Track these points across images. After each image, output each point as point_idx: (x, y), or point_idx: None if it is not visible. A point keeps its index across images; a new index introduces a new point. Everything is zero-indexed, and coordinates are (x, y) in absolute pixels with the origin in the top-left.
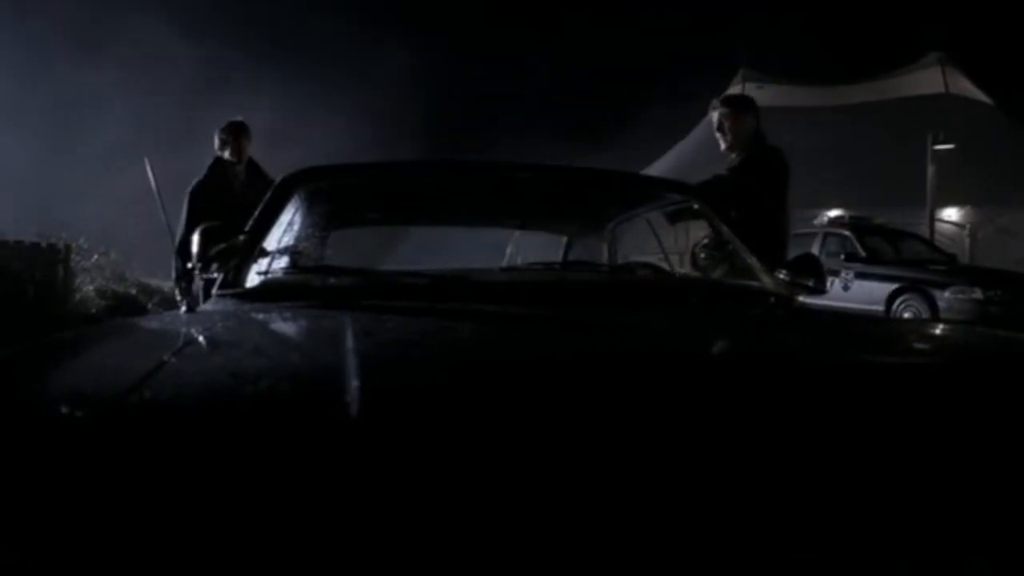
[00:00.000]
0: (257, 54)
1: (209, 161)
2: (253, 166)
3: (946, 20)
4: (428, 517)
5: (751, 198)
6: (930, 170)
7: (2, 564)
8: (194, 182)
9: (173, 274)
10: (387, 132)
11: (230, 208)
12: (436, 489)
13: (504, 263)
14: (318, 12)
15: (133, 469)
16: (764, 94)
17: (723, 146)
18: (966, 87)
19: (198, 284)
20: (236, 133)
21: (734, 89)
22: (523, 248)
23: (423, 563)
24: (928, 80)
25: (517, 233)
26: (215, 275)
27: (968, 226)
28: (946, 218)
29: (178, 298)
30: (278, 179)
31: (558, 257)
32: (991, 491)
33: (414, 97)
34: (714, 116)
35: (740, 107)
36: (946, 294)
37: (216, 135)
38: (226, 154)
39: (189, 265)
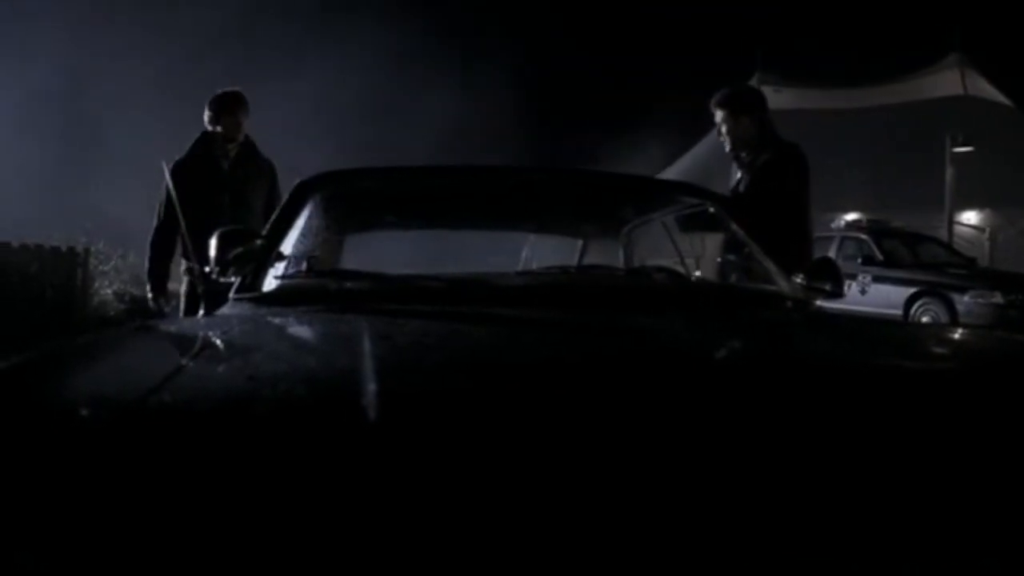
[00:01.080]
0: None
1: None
2: (250, 146)
3: (964, 21)
4: (445, 521)
5: (775, 200)
6: (949, 172)
7: (16, 565)
8: (176, 158)
9: (148, 267)
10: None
11: (217, 187)
12: (453, 493)
13: (519, 267)
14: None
15: (151, 472)
16: (781, 97)
17: (727, 148)
18: (985, 89)
19: (181, 288)
20: (230, 106)
21: None
22: (538, 252)
23: (440, 566)
24: (947, 82)
25: (532, 237)
26: (231, 279)
27: (988, 229)
28: (965, 221)
29: (151, 305)
30: (295, 184)
31: (573, 261)
32: (1011, 494)
33: (429, 97)
34: (716, 117)
35: (737, 108)
36: (965, 298)
37: (206, 107)
38: (217, 129)
39: (207, 268)
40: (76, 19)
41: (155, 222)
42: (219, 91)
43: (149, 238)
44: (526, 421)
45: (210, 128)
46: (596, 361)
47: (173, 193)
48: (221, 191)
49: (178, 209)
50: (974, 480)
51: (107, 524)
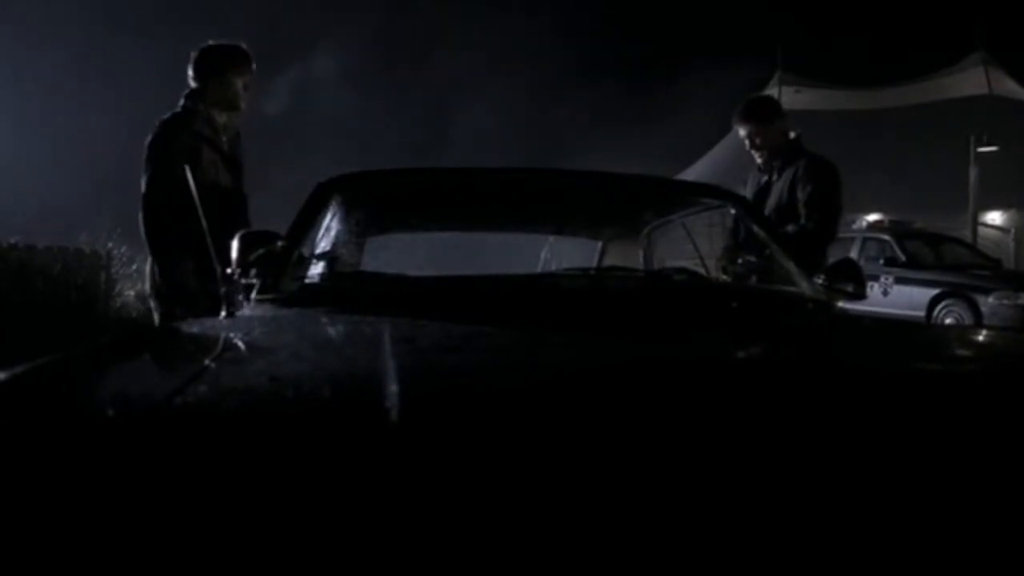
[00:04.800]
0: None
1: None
2: (237, 135)
3: (987, 19)
4: (467, 523)
5: (815, 204)
6: (973, 172)
7: (57, 563)
8: (168, 116)
9: (148, 268)
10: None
11: (224, 170)
12: (475, 495)
13: (539, 268)
14: None
15: (174, 472)
16: (801, 97)
17: (759, 160)
18: (1010, 87)
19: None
20: (249, 61)
21: (770, 92)
22: (557, 253)
23: (461, 566)
24: (971, 81)
25: (551, 238)
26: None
27: (1013, 230)
28: (989, 222)
29: (153, 307)
30: (315, 185)
31: (593, 262)
32: None
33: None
34: (741, 132)
35: (765, 118)
36: (990, 300)
37: (207, 59)
38: (233, 88)
39: (228, 270)
40: (106, 17)
41: (144, 195)
42: (225, 42)
43: (142, 216)
44: (547, 424)
45: (209, 87)
46: (619, 365)
47: (194, 190)
48: (232, 177)
49: (198, 203)
50: (1002, 483)
51: (131, 523)
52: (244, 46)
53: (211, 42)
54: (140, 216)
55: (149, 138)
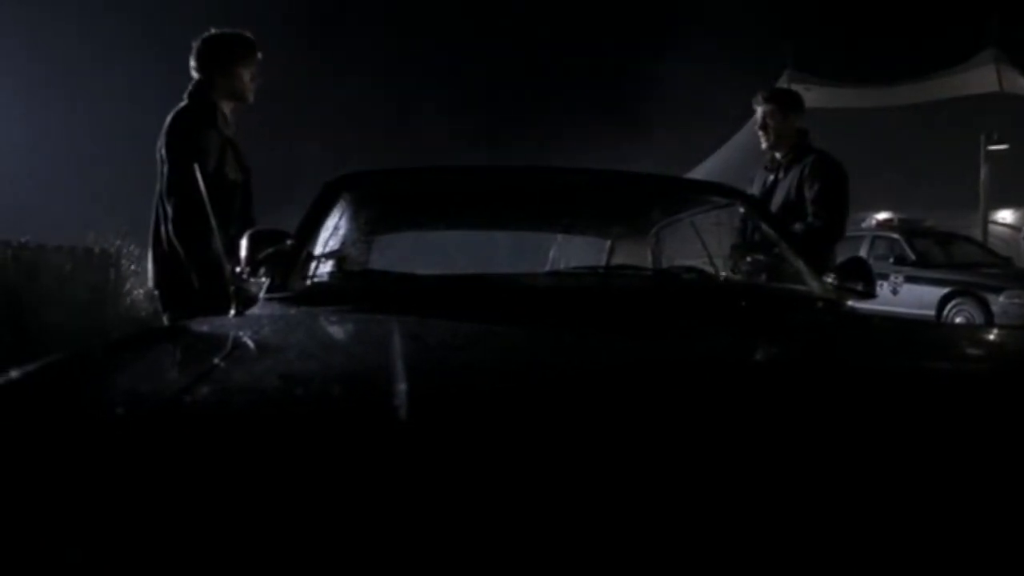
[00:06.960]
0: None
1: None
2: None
3: (1000, 16)
4: (475, 520)
5: (822, 202)
6: (983, 171)
7: (67, 561)
8: (186, 112)
9: (151, 264)
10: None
11: (232, 164)
12: (483, 492)
13: (547, 267)
14: None
15: (183, 470)
16: (811, 96)
17: (764, 144)
18: (1022, 85)
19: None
20: (253, 51)
21: None
22: (566, 252)
23: (467, 565)
24: (981, 79)
25: (559, 237)
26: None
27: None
28: (1000, 220)
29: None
30: (323, 184)
31: (602, 261)
32: None
33: (446, 88)
34: (758, 112)
35: (787, 105)
36: (1000, 298)
37: (211, 49)
38: (239, 80)
39: (238, 269)
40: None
41: (161, 192)
42: (227, 31)
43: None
44: (555, 423)
45: (215, 79)
46: (628, 365)
47: (203, 189)
48: (239, 171)
49: (206, 200)
50: (1014, 483)
51: (140, 521)
52: (248, 34)
53: (214, 31)
54: (170, 214)
55: (172, 133)
